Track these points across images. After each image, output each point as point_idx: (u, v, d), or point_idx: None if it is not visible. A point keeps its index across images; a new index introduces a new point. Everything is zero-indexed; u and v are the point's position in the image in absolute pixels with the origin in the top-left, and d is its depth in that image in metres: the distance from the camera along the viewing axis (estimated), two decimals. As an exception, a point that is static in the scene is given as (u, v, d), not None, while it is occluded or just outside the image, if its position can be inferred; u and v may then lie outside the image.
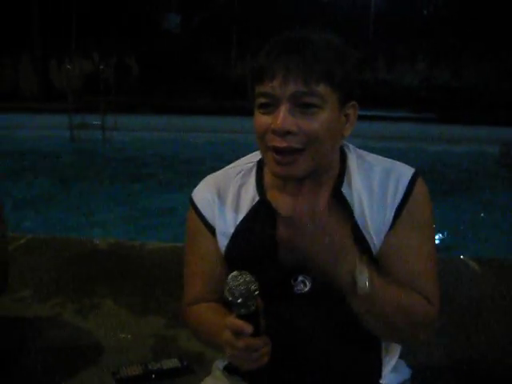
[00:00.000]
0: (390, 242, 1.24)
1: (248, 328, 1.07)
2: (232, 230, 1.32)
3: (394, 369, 1.36)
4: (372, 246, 1.24)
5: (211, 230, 1.34)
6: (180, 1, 14.88)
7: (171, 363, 2.14)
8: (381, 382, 1.33)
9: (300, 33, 1.22)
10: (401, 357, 1.39)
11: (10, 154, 8.45)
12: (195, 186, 1.40)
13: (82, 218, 5.52)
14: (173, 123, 10.08)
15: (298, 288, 1.26)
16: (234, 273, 1.09)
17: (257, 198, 1.32)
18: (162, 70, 13.34)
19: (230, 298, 1.08)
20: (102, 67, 11.81)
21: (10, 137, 9.89)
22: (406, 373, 1.41)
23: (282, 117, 1.15)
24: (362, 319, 1.19)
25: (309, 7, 14.49)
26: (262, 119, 1.20)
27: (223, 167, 1.41)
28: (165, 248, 3.27)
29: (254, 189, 1.33)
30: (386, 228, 1.24)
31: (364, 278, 1.10)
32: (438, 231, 4.88)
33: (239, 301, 1.07)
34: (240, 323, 1.08)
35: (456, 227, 5.39)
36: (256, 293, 1.08)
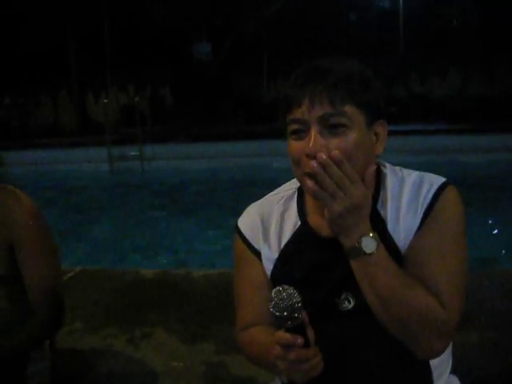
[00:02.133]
0: (414, 244, 1.26)
1: (297, 339, 1.10)
2: (276, 254, 1.37)
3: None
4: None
5: (257, 255, 1.39)
6: (210, 30, 15.11)
7: (223, 389, 2.16)
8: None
9: (323, 62, 1.27)
10: (454, 373, 1.38)
11: (52, 189, 8.63)
12: (237, 212, 1.45)
13: (127, 249, 5.60)
14: (208, 150, 10.21)
15: (343, 306, 1.29)
16: (277, 288, 1.13)
17: (299, 223, 1.37)
18: (195, 98, 13.53)
19: (276, 313, 1.11)
20: (137, 99, 12.03)
21: (52, 172, 10.11)
22: (459, 389, 1.41)
23: (313, 140, 1.20)
24: (381, 320, 1.22)
25: (337, 27, 14.58)
26: (294, 145, 1.25)
27: (263, 192, 1.47)
28: (210, 275, 3.30)
29: (296, 214, 1.38)
30: (413, 232, 1.27)
31: (372, 243, 1.19)
32: (479, 242, 4.79)
33: (285, 314, 1.10)
34: (288, 336, 1.11)
35: (498, 238, 5.28)
36: (299, 304, 1.11)
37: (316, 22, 14.57)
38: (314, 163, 1.17)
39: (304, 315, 1.12)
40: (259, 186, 7.30)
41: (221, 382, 2.21)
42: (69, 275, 3.40)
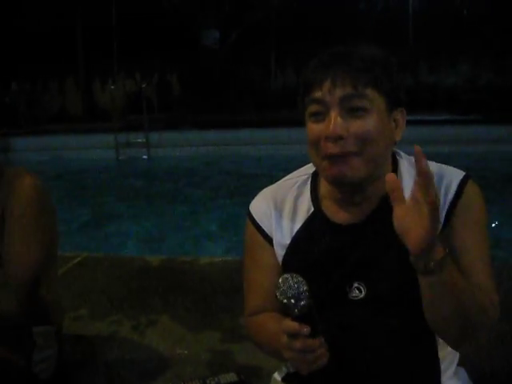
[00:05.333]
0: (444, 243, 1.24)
1: (303, 329, 1.09)
2: (288, 240, 1.35)
3: (454, 375, 1.35)
4: None
5: (269, 241, 1.38)
6: (217, 17, 15.04)
7: (229, 378, 2.14)
8: (440, 387, 1.32)
9: (347, 46, 1.27)
10: (460, 365, 1.37)
11: (59, 175, 8.64)
12: (243, 199, 1.44)
13: (132, 236, 5.61)
14: (215, 137, 10.18)
15: (354, 294, 1.28)
16: (284, 275, 1.12)
17: (312, 209, 1.35)
18: (202, 86, 13.49)
19: (284, 300, 1.10)
20: (144, 85, 11.99)
21: (58, 158, 10.13)
22: (466, 380, 1.39)
23: (334, 122, 1.19)
24: (426, 311, 1.18)
25: (346, 16, 14.48)
26: (313, 127, 1.23)
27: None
28: (216, 262, 3.30)
29: (309, 199, 1.36)
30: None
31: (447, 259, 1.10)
32: (497, 234, 4.76)
33: (292, 301, 1.10)
34: (295, 324, 1.10)
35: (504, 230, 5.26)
36: (307, 293, 1.10)
37: (325, 10, 14.47)
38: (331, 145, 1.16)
39: (311, 304, 1.10)
40: (266, 173, 7.29)
41: (226, 369, 2.19)
42: (74, 261, 3.40)
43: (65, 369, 2.09)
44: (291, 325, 1.10)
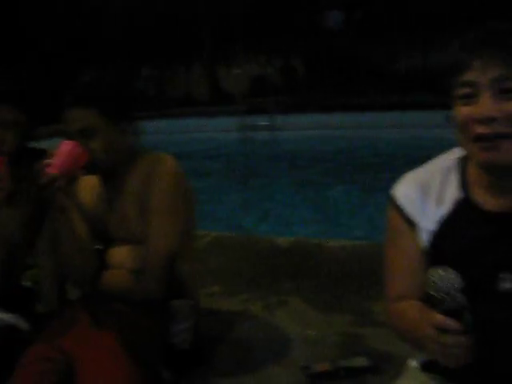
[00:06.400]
0: None
1: (454, 325, 1.07)
2: (434, 226, 1.32)
3: None
4: None
5: (412, 226, 1.35)
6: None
7: (360, 361, 2.14)
8: None
9: (498, 25, 1.21)
10: None
11: (185, 157, 8.94)
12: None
13: (259, 217, 5.71)
14: (341, 120, 10.06)
15: (503, 285, 1.23)
16: (438, 269, 1.10)
17: (460, 196, 1.31)
18: (327, 68, 13.39)
19: (435, 294, 1.08)
20: (268, 69, 12.10)
21: (185, 140, 10.50)
22: None
23: (486, 104, 1.15)
24: None
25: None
26: (463, 110, 1.19)
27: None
28: (344, 246, 3.28)
29: (458, 185, 1.32)
30: None
31: None
32: None
33: (444, 296, 1.07)
34: (445, 319, 1.08)
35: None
36: (459, 288, 1.07)
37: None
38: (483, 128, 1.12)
39: (464, 300, 1.08)
40: (392, 159, 7.13)
41: (356, 353, 2.19)
42: (206, 240, 3.53)
43: (200, 341, 2.19)
44: (440, 319, 1.08)
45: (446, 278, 1.08)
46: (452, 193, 1.32)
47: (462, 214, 1.29)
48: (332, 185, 6.90)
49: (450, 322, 1.07)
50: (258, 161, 8.91)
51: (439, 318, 1.09)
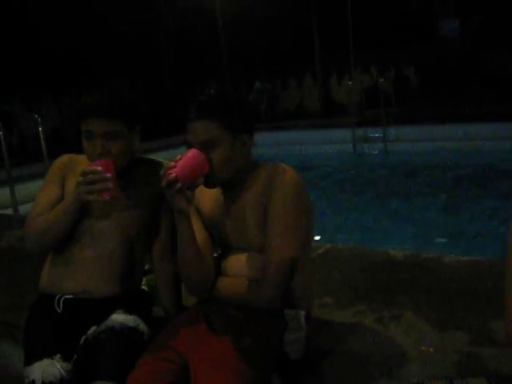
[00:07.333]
0: None
1: None
2: None
3: None
4: None
5: None
6: (456, 5, 14.37)
7: (478, 382, 2.05)
8: None
9: None
10: None
11: (299, 169, 8.98)
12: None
13: (374, 230, 5.63)
14: (456, 132, 9.70)
15: None
16: None
17: None
18: (442, 78, 13.01)
19: None
20: (381, 80, 11.95)
21: (297, 152, 10.57)
22: None
23: None
24: None
25: None
26: None
27: None
28: (462, 261, 3.16)
29: None
30: None
31: None
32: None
33: None
34: None
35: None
36: None
37: None
38: None
39: None
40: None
41: (474, 373, 2.10)
42: (319, 251, 3.53)
43: (312, 353, 2.19)
44: None
45: None
46: None
47: None
48: (445, 199, 6.69)
49: None
50: (370, 173, 8.79)
51: None
